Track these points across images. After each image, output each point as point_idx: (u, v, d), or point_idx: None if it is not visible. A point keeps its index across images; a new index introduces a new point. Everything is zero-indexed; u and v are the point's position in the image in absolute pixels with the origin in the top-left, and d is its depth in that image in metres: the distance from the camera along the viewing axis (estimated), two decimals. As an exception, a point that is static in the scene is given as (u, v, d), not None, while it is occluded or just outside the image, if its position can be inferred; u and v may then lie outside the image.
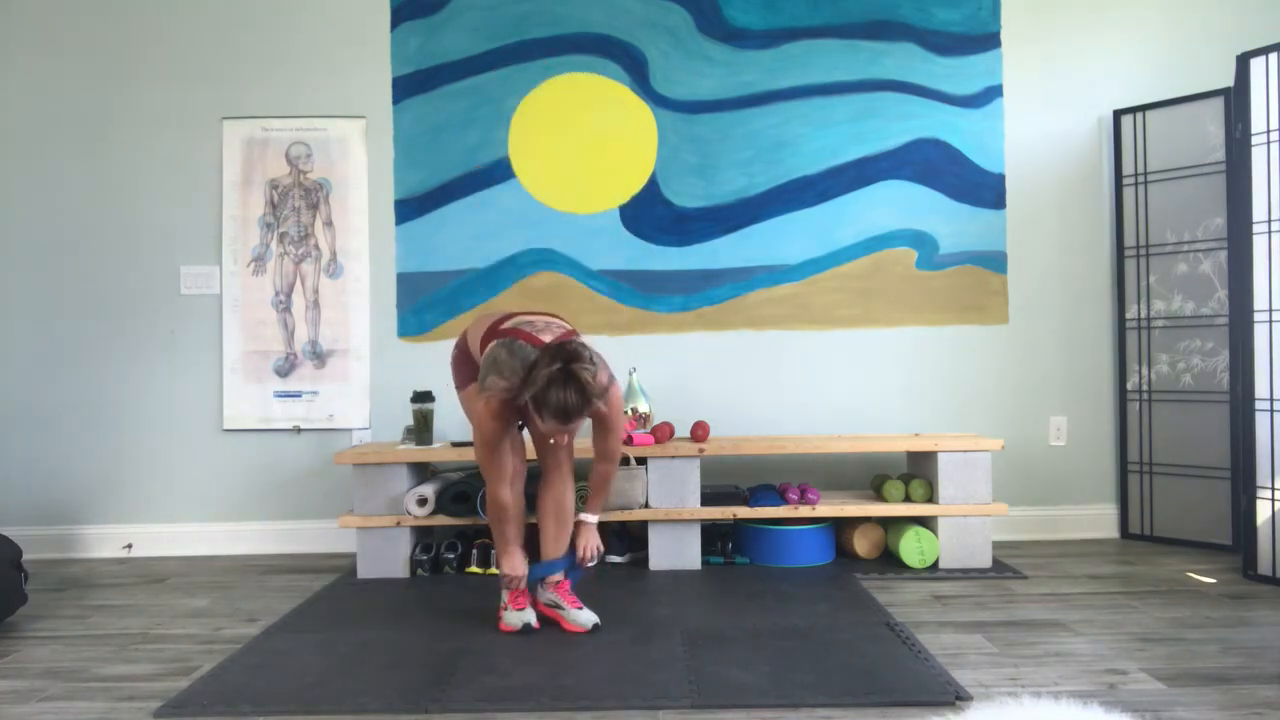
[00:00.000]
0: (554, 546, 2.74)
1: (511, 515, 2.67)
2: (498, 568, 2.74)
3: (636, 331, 3.84)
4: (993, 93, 3.84)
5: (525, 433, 2.87)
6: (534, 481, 3.02)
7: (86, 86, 3.83)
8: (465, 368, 2.71)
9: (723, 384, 3.86)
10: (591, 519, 2.73)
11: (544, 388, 2.28)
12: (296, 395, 3.83)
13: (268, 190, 3.84)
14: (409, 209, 3.86)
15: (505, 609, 2.68)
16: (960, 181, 3.84)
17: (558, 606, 2.69)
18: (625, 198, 3.84)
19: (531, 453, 2.95)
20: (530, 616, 2.64)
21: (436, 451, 3.40)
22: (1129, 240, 3.80)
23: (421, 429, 3.47)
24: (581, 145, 3.84)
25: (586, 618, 2.65)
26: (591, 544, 2.71)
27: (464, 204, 3.84)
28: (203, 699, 2.17)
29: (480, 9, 3.84)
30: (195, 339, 3.84)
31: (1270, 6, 3.80)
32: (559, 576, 2.73)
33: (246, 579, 3.39)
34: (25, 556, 3.46)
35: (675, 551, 3.36)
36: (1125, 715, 1.89)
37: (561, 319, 2.66)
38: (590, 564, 2.73)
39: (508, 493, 2.63)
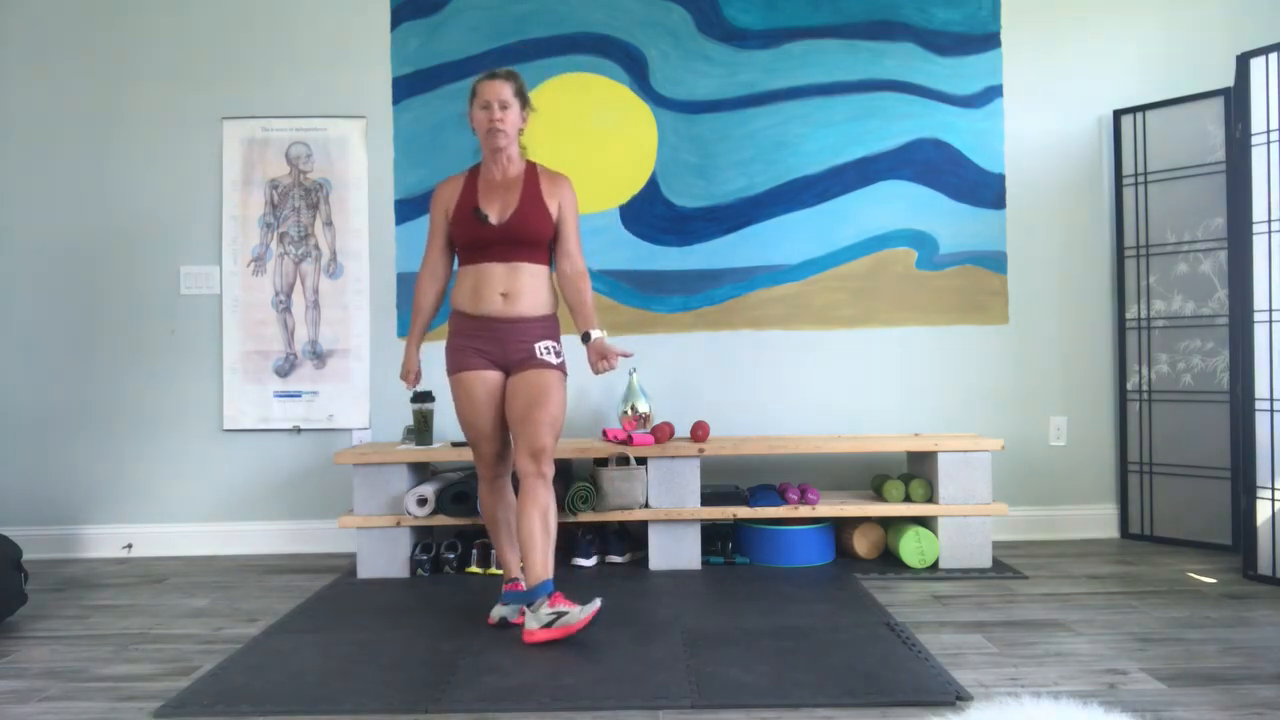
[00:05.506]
0: (543, 565, 2.52)
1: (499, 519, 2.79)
2: (498, 566, 2.73)
3: (636, 331, 3.84)
4: (993, 93, 3.84)
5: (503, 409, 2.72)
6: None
7: (86, 86, 3.83)
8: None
9: (723, 384, 3.86)
10: (599, 333, 2.69)
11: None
12: (296, 395, 3.83)
13: (268, 190, 3.84)
14: (409, 209, 3.86)
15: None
16: (960, 181, 3.84)
17: (561, 614, 2.45)
18: (625, 198, 3.84)
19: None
20: (509, 610, 2.65)
21: (436, 451, 3.40)
22: (1129, 240, 3.80)
23: (421, 429, 3.47)
24: (581, 145, 3.84)
25: (587, 609, 2.45)
26: (613, 352, 2.66)
27: (464, 204, 3.83)
28: (203, 699, 2.17)
29: (480, 9, 3.84)
30: (195, 339, 3.84)
31: (1270, 6, 3.80)
32: (542, 600, 2.48)
33: (246, 579, 3.39)
34: (25, 556, 3.45)
35: (675, 551, 3.36)
36: (1125, 715, 1.89)
37: None
38: (614, 367, 2.68)
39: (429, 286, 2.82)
